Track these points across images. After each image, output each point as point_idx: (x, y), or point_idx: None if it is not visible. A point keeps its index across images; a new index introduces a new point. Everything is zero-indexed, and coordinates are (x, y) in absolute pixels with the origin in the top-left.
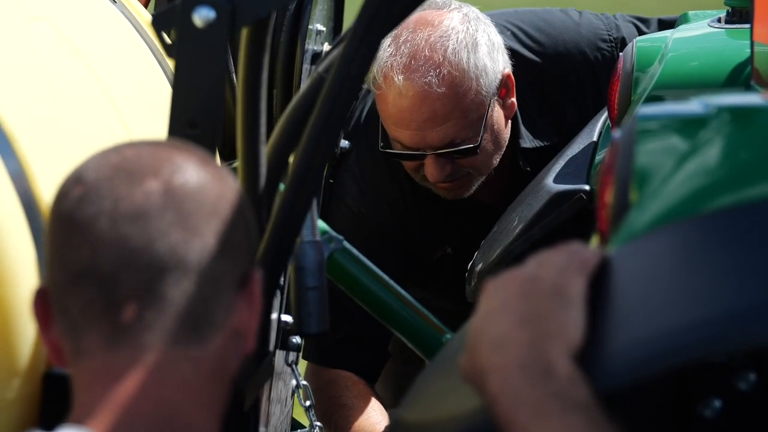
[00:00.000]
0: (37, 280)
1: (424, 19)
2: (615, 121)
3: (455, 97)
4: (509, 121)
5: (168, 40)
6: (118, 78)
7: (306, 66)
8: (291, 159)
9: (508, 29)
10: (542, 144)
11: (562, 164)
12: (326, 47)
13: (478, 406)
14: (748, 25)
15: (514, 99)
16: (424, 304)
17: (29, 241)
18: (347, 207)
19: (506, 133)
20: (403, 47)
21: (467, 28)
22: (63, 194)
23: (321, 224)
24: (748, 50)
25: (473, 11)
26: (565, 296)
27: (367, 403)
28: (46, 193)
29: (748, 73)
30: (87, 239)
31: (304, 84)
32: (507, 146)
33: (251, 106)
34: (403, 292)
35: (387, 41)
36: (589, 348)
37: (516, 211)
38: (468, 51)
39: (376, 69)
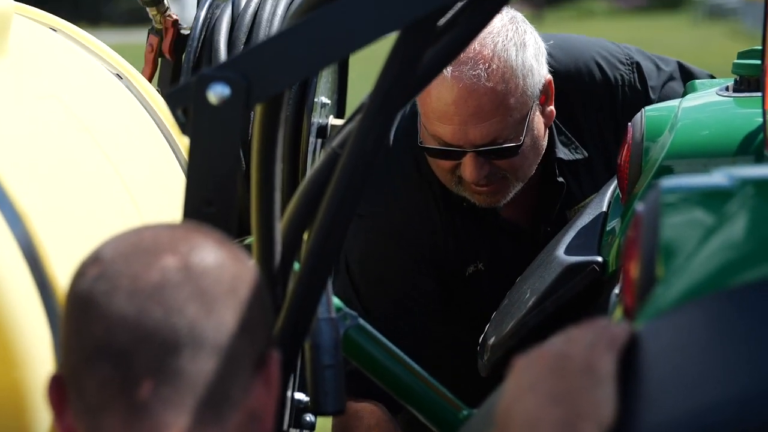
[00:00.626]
0: (52, 362)
1: None
2: (625, 190)
3: (502, 93)
4: (547, 129)
5: (182, 118)
6: (126, 155)
7: (312, 139)
8: (306, 235)
9: None
10: (574, 156)
11: (573, 235)
12: (331, 120)
13: None
14: (756, 94)
15: (552, 107)
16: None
17: (44, 322)
18: (378, 224)
19: (544, 140)
20: None
21: (516, 29)
22: (80, 274)
23: (336, 301)
24: (759, 119)
25: (519, 15)
26: (595, 374)
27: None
28: (59, 273)
29: (759, 141)
30: (102, 316)
31: (318, 160)
32: (543, 158)
33: (266, 182)
34: (418, 368)
35: None
36: (620, 427)
37: (527, 283)
38: (517, 49)
39: None
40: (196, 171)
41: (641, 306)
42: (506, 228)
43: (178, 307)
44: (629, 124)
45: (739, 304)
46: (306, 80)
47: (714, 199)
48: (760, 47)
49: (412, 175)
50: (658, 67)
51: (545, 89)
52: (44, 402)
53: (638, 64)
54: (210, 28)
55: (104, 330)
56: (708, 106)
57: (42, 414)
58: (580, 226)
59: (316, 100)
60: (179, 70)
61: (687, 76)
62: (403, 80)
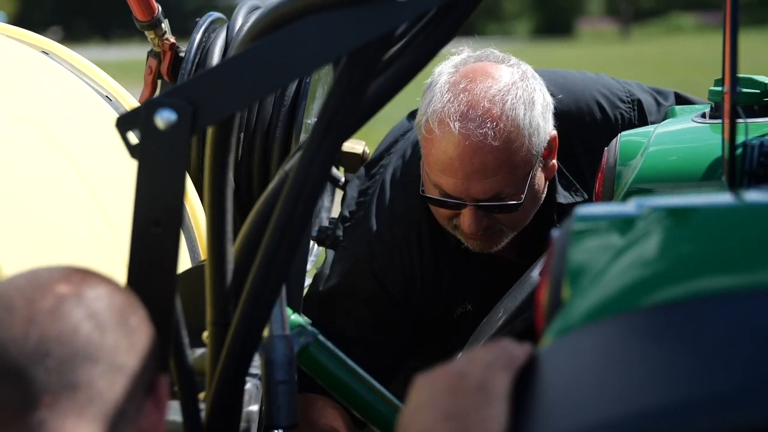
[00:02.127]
0: None
1: (484, 71)
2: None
3: (507, 152)
4: (548, 181)
5: (132, 142)
6: (104, 175)
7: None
8: None
9: None
10: (574, 199)
11: None
12: None
13: None
14: None
15: (555, 161)
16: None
17: None
18: (359, 261)
19: (544, 193)
20: (461, 95)
21: (526, 85)
22: None
23: (295, 318)
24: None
25: (530, 69)
26: (488, 392)
27: (328, 422)
28: None
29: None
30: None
31: (272, 182)
32: (544, 203)
33: (217, 204)
34: (375, 383)
35: (444, 87)
36: None
37: (503, 303)
38: (525, 108)
39: (429, 113)
40: (143, 192)
41: (547, 327)
42: (497, 264)
43: (73, 326)
44: (605, 148)
45: (638, 325)
46: (296, 102)
47: (622, 226)
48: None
49: (401, 220)
50: (657, 102)
51: (550, 144)
52: None
53: (639, 101)
54: (204, 51)
55: (2, 351)
56: (680, 132)
57: None
58: None
59: (308, 121)
60: None
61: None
62: (348, 106)
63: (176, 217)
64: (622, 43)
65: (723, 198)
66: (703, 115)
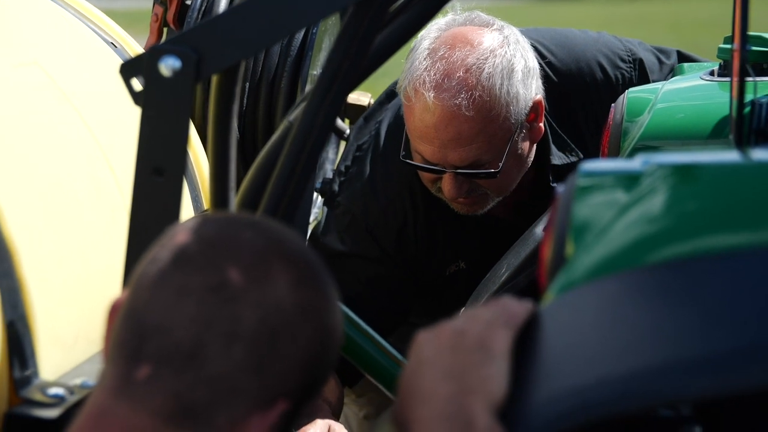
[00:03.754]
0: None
1: (464, 37)
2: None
3: (483, 121)
4: (534, 144)
5: (136, 88)
6: (108, 123)
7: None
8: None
9: (532, 46)
10: (569, 160)
11: None
12: None
13: None
14: None
15: (541, 124)
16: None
17: None
18: (354, 216)
19: (530, 156)
20: (438, 63)
21: (505, 52)
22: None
23: None
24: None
25: (514, 34)
26: (489, 350)
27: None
28: (16, 234)
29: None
30: (147, 291)
31: (275, 132)
32: (536, 163)
33: (221, 153)
34: (376, 335)
35: (424, 53)
36: (510, 402)
37: (506, 259)
38: (503, 77)
39: (407, 80)
40: (146, 141)
41: (550, 284)
42: (492, 224)
43: (209, 322)
44: (612, 105)
45: (640, 283)
46: (302, 53)
47: (627, 182)
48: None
49: (393, 177)
50: (660, 61)
51: (534, 108)
52: None
53: (640, 61)
54: None
55: (144, 302)
56: (688, 89)
57: None
58: None
59: (314, 72)
60: None
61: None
62: (354, 57)
63: (180, 166)
64: (632, 2)
65: (730, 156)
66: (712, 73)
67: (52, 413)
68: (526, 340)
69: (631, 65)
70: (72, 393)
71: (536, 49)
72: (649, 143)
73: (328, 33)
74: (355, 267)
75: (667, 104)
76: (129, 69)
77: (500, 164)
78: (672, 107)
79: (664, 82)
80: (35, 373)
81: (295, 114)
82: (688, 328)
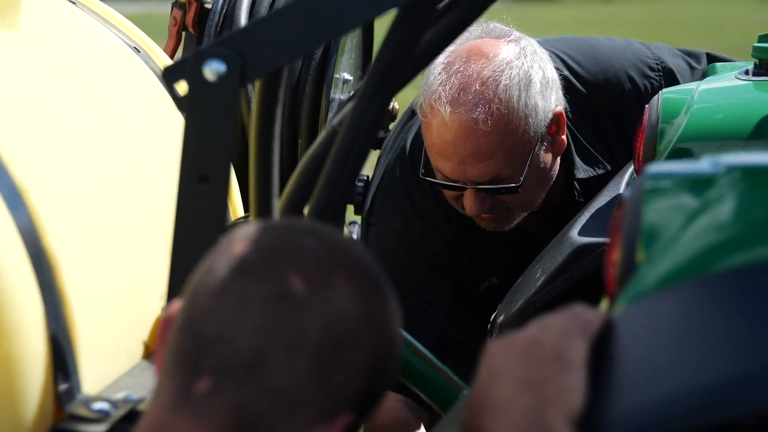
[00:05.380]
0: (43, 332)
1: (480, 50)
2: (640, 173)
3: (501, 135)
4: (558, 157)
5: (179, 93)
6: (137, 129)
7: (332, 115)
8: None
9: (558, 56)
10: (596, 173)
11: (588, 217)
12: None
13: None
14: None
15: (564, 136)
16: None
17: (36, 295)
18: (395, 231)
19: (554, 169)
20: (453, 78)
21: (522, 64)
22: (222, 248)
23: None
24: None
25: (531, 45)
26: (565, 360)
27: (395, 419)
28: (56, 246)
29: None
30: (204, 299)
31: (319, 137)
32: (562, 177)
33: (264, 158)
34: (419, 346)
35: (439, 68)
36: (589, 414)
37: (540, 263)
38: (520, 89)
39: (423, 96)
40: (191, 147)
41: (621, 291)
42: (521, 238)
43: (273, 331)
44: (646, 106)
45: (718, 290)
46: (326, 56)
47: (698, 185)
48: None
49: (427, 192)
50: (690, 66)
51: (555, 120)
52: (37, 373)
53: (669, 70)
54: (232, 2)
55: (203, 313)
56: (725, 89)
57: (32, 385)
58: (596, 208)
59: (337, 76)
60: (202, 43)
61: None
62: (401, 60)
63: (225, 172)
64: (607, 4)
65: None
66: (747, 72)
67: (98, 429)
68: (601, 349)
69: (660, 73)
70: (116, 407)
71: (562, 60)
72: (688, 144)
73: (350, 36)
74: (402, 282)
75: (705, 105)
76: (172, 73)
77: (521, 178)
78: (710, 107)
79: (699, 82)
80: (78, 388)
81: (338, 118)
82: None
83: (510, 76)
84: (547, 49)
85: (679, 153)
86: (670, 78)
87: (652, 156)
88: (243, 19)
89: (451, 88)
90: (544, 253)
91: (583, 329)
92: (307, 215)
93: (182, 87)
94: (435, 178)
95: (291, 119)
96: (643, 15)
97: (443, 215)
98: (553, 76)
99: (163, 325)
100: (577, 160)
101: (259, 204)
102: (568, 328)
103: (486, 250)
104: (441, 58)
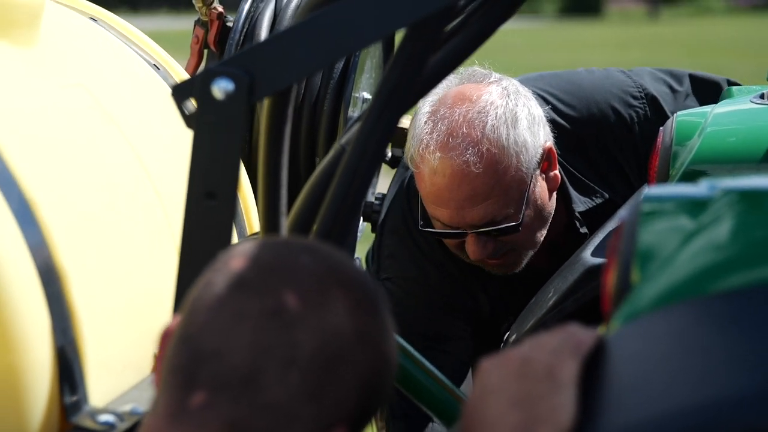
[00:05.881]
0: (50, 347)
1: (463, 94)
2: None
3: (495, 175)
4: (554, 193)
5: (188, 111)
6: (153, 145)
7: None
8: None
9: (540, 96)
10: (594, 203)
11: (601, 237)
12: None
13: None
14: None
15: (556, 171)
16: None
17: (44, 308)
18: (413, 281)
19: (551, 206)
20: (440, 124)
21: (506, 103)
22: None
23: None
24: None
25: (513, 84)
26: (556, 379)
27: None
28: (66, 261)
29: None
30: (201, 314)
31: (326, 156)
32: (562, 213)
33: (272, 176)
34: (425, 361)
35: (424, 117)
36: None
37: (553, 284)
38: (507, 127)
39: (413, 148)
40: (198, 164)
41: (615, 312)
42: (536, 275)
43: (267, 347)
44: (660, 128)
45: (712, 311)
46: (345, 75)
47: (694, 208)
48: None
49: (434, 243)
50: (672, 89)
51: (546, 156)
52: (43, 384)
53: (652, 97)
54: (253, 21)
55: (200, 327)
56: (739, 112)
57: (37, 396)
58: (609, 229)
59: (357, 95)
60: None
61: (700, 87)
62: (408, 80)
63: (232, 189)
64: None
65: None
66: (762, 96)
67: None
68: (593, 369)
69: (644, 101)
70: (122, 420)
71: (545, 99)
72: (700, 167)
73: (370, 55)
74: (419, 330)
75: (718, 128)
76: (181, 91)
77: (520, 216)
78: (723, 130)
79: (713, 105)
80: (85, 400)
81: (346, 138)
82: (765, 356)
83: (496, 116)
84: (529, 89)
85: (692, 175)
86: (653, 104)
87: (665, 178)
88: (263, 37)
89: (438, 135)
90: (557, 274)
91: (575, 348)
92: (313, 234)
93: (191, 105)
94: (434, 228)
95: (309, 137)
96: (685, 35)
97: (454, 263)
98: (539, 112)
99: (162, 339)
100: (574, 193)
101: (267, 222)
102: (560, 348)
103: (501, 291)
104: (425, 108)
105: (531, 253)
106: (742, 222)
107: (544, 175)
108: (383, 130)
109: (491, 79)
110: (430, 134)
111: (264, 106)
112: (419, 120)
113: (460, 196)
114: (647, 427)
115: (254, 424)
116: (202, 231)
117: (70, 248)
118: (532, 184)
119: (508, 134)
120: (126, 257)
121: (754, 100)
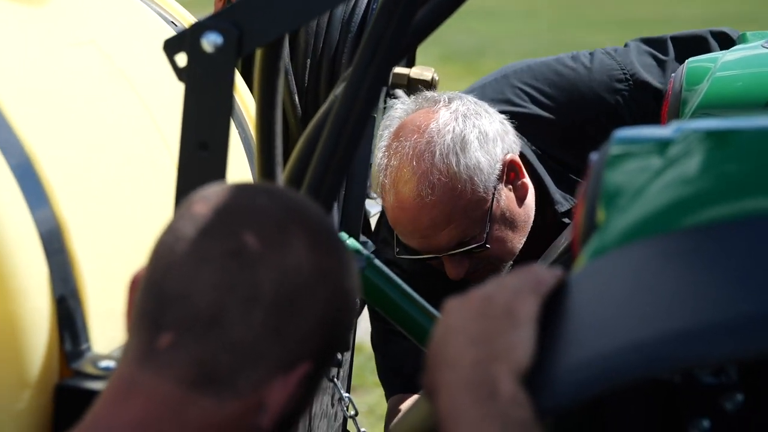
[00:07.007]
0: (48, 294)
1: (412, 124)
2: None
3: (450, 201)
4: (527, 200)
5: (179, 64)
6: (166, 102)
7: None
8: None
9: (524, 91)
10: None
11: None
12: (395, 69)
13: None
14: None
15: (525, 179)
16: None
17: (42, 258)
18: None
19: (525, 213)
20: (392, 159)
21: (454, 128)
22: (183, 211)
23: (350, 242)
24: None
25: (464, 103)
26: (515, 317)
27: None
28: (69, 214)
29: None
30: (166, 258)
31: (323, 106)
32: (549, 215)
33: (266, 128)
34: (431, 308)
35: (380, 153)
36: (534, 369)
37: (544, 255)
38: (457, 153)
39: (374, 182)
40: (190, 116)
41: (582, 251)
42: None
43: (229, 286)
44: (672, 75)
45: (671, 247)
46: (362, 29)
47: (660, 148)
48: None
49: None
50: (658, 60)
51: (509, 168)
52: (41, 331)
53: (638, 75)
54: None
55: (164, 272)
56: (748, 58)
57: (37, 344)
58: None
59: None
60: None
61: (684, 47)
62: (396, 30)
63: (224, 140)
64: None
65: (765, 120)
66: None
67: (101, 385)
68: (553, 307)
69: (629, 81)
70: None
71: (527, 93)
72: (707, 111)
73: None
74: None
75: (726, 72)
76: (172, 45)
77: (485, 236)
78: (731, 75)
79: (725, 51)
80: (88, 348)
81: (340, 88)
82: (718, 292)
83: (444, 144)
84: (513, 84)
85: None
86: (639, 83)
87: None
88: None
89: (391, 172)
90: (544, 256)
91: (535, 287)
92: (304, 185)
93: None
94: (410, 254)
95: (328, 92)
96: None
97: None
98: (493, 128)
99: (131, 286)
100: (557, 194)
101: (262, 171)
102: (521, 286)
103: None
104: (383, 141)
105: (509, 262)
106: (706, 159)
107: (510, 186)
108: (372, 81)
109: (440, 105)
110: (384, 171)
111: (256, 59)
112: (377, 154)
113: (421, 227)
114: (597, 363)
115: (221, 361)
116: (196, 181)
117: (75, 201)
118: (495, 200)
119: (458, 161)
120: (131, 210)
121: (765, 44)
